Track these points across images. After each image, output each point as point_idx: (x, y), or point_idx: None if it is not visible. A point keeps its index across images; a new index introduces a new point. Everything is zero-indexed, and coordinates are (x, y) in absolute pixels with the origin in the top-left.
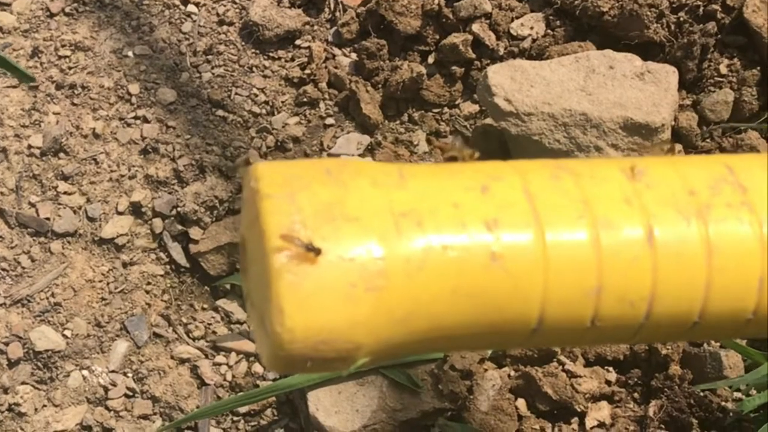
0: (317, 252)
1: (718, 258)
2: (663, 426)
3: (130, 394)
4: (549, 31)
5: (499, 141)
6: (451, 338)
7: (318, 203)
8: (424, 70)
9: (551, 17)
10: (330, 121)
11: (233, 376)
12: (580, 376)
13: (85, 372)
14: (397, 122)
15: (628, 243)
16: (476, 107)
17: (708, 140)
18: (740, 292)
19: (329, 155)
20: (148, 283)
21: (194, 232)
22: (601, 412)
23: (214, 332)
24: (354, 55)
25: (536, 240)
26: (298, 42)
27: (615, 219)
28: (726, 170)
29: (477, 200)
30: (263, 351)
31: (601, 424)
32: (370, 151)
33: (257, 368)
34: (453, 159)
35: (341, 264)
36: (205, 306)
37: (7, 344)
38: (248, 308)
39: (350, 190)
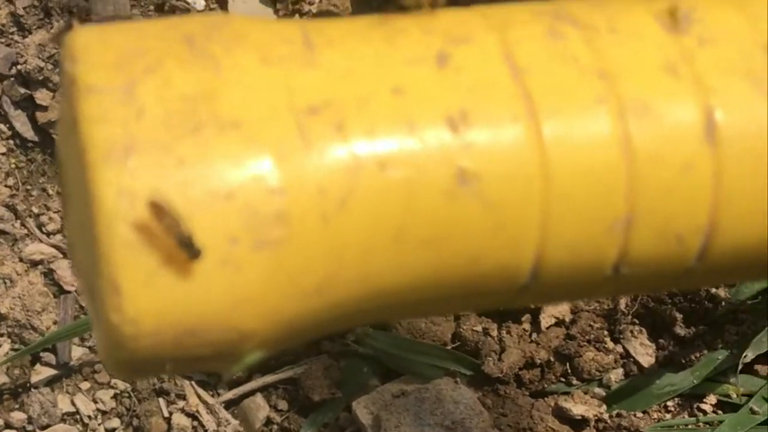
0: (194, 254)
1: None
2: (637, 321)
3: None
4: None
5: None
6: (394, 307)
7: (173, 99)
8: None
9: None
10: None
11: None
12: None
13: None
14: None
15: (675, 140)
16: None
17: None
18: None
19: None
20: None
21: (41, 96)
22: (560, 306)
23: None
24: None
25: (530, 144)
26: None
27: (653, 101)
28: None
29: (432, 80)
30: (98, 344)
31: (559, 322)
32: None
33: None
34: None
35: (213, 205)
36: (60, 190)
37: None
38: (74, 268)
39: (226, 73)
